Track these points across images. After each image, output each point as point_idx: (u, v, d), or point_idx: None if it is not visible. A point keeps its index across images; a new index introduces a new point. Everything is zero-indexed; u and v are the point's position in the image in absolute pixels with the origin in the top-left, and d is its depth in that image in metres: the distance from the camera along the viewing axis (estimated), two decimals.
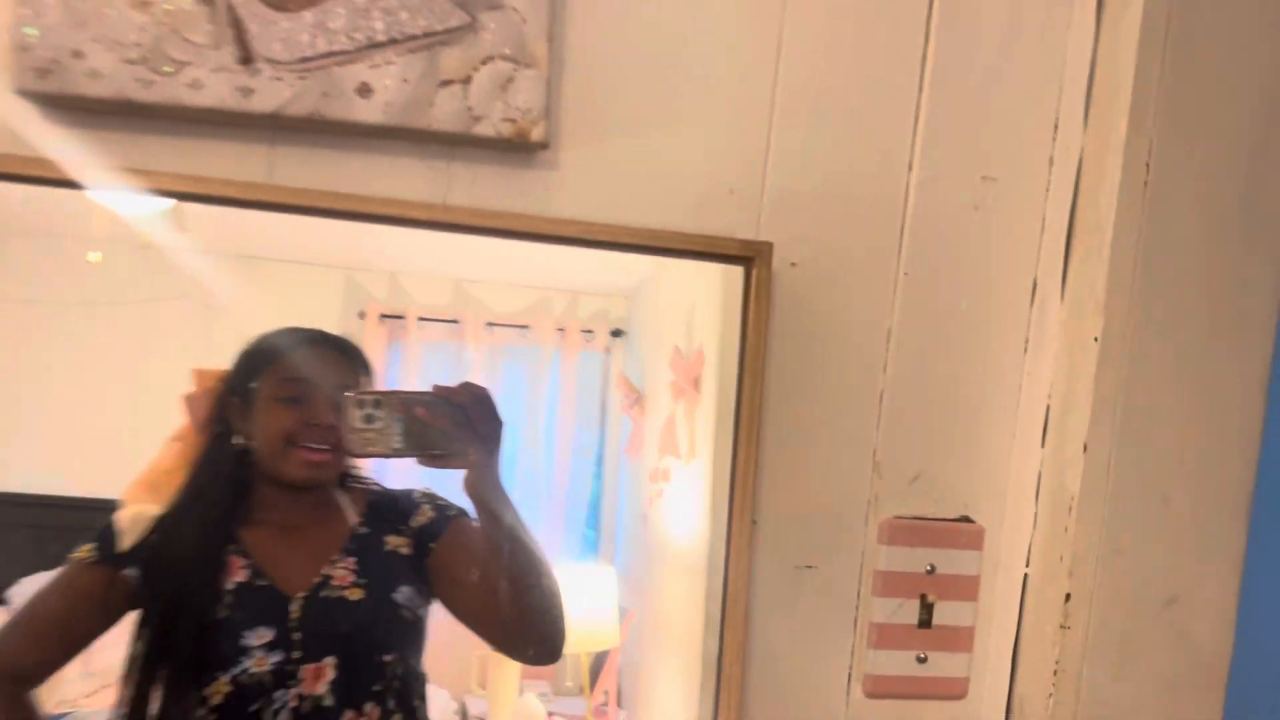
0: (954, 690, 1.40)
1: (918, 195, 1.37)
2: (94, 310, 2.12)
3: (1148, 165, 1.30)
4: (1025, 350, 1.41)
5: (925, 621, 1.38)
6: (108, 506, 1.91)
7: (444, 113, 1.21)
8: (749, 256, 1.28)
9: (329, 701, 1.15)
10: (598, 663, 2.22)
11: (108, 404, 2.16)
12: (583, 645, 2.15)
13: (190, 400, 1.78)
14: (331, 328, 1.33)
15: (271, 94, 1.18)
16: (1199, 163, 1.31)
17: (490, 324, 2.29)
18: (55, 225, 1.88)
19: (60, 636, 1.22)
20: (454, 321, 2.30)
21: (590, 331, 2.34)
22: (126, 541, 1.22)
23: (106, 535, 1.24)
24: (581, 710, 2.16)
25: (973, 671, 1.41)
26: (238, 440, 1.25)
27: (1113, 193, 1.30)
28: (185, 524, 1.23)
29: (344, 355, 1.29)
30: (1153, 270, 1.31)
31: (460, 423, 1.11)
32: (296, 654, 1.16)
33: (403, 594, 1.23)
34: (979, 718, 1.41)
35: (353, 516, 1.27)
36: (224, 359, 2.03)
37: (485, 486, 1.14)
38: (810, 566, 1.37)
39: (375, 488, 1.33)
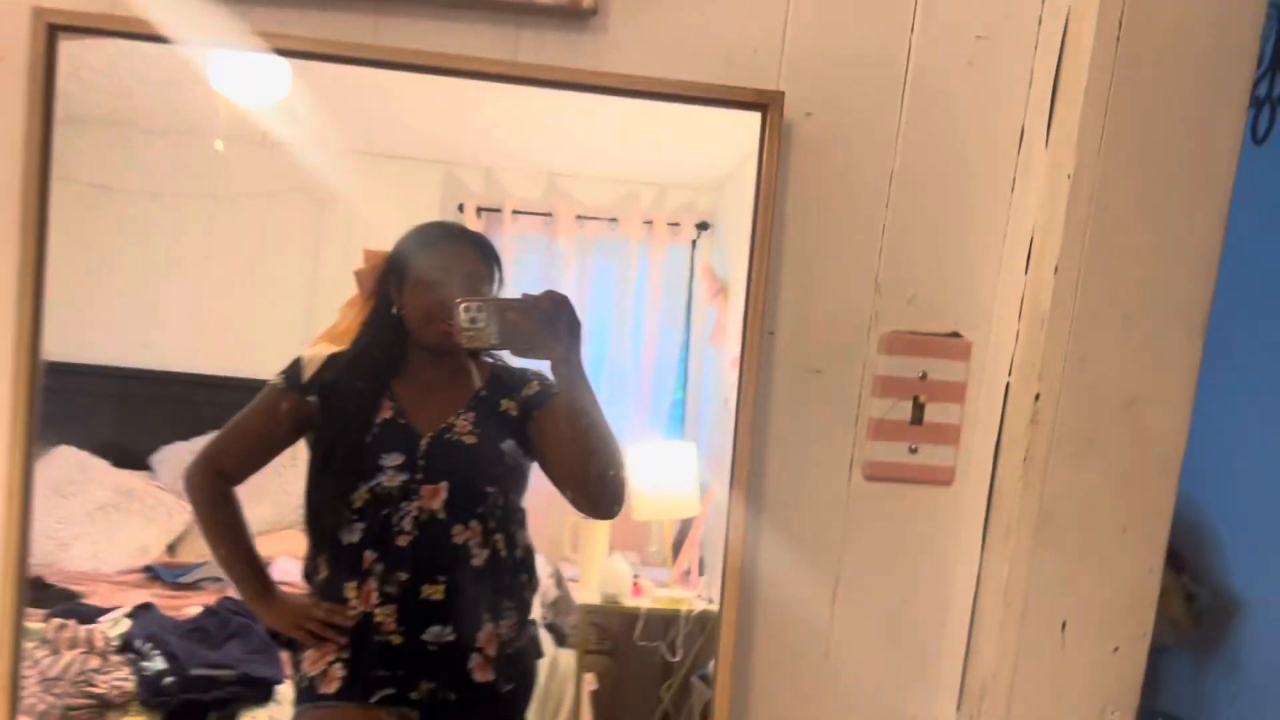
0: (941, 477, 1.65)
1: (918, 52, 1.58)
2: (217, 203, 2.35)
3: (1120, 22, 1.49)
4: (1012, 189, 1.62)
5: (917, 419, 1.63)
6: (234, 384, 2.19)
7: None
8: (764, 103, 1.52)
9: (442, 516, 1.49)
10: (681, 534, 2.43)
11: (232, 290, 2.39)
12: (666, 513, 2.37)
13: (360, 274, 2.11)
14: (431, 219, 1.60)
15: None
16: (1166, 21, 1.49)
17: (580, 217, 2.52)
18: (182, 123, 2.13)
19: (256, 444, 1.59)
20: (547, 215, 2.52)
21: (677, 224, 2.54)
22: (307, 374, 1.54)
23: (294, 368, 1.58)
24: (665, 577, 2.39)
25: (958, 462, 1.66)
26: (395, 310, 1.55)
27: (1088, 44, 1.49)
28: (353, 370, 1.57)
29: (478, 248, 1.59)
30: (1121, 114, 1.50)
31: (544, 322, 1.41)
32: (419, 476, 1.49)
33: (507, 445, 1.55)
34: (963, 500, 1.66)
35: (478, 382, 1.59)
36: (333, 248, 2.30)
37: (567, 372, 1.45)
38: (819, 371, 1.63)
39: (500, 363, 1.63)
